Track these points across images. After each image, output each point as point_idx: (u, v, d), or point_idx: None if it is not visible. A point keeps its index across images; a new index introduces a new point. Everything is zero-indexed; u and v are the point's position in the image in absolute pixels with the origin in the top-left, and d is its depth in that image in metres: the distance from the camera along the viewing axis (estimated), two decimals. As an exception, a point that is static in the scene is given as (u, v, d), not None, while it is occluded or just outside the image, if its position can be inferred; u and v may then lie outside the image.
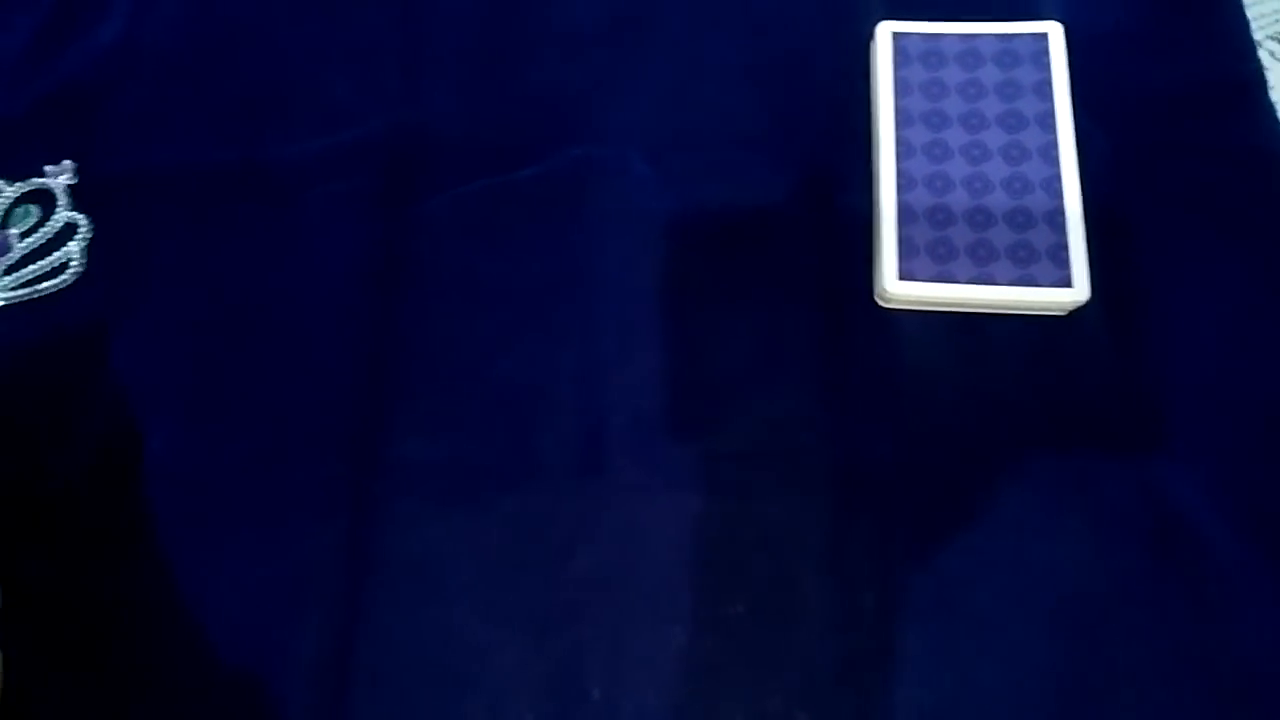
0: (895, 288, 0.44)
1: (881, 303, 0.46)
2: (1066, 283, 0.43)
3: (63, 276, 0.50)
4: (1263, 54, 0.50)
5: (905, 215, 0.45)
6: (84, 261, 0.50)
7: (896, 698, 0.41)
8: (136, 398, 0.48)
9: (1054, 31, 0.47)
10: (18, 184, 0.52)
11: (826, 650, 0.42)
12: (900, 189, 0.45)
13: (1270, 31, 0.51)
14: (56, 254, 0.50)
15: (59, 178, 0.52)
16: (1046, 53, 0.47)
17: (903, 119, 0.47)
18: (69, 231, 0.51)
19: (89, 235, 0.51)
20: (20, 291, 0.50)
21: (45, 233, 0.51)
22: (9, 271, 0.50)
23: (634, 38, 0.53)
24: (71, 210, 0.51)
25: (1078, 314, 0.45)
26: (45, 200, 0.51)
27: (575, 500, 0.45)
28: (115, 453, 0.47)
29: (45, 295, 0.50)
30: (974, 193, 0.45)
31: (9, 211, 0.51)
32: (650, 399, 0.46)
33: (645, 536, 0.44)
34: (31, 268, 0.50)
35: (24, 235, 0.51)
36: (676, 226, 0.49)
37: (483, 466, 0.46)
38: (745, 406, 0.46)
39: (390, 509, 0.45)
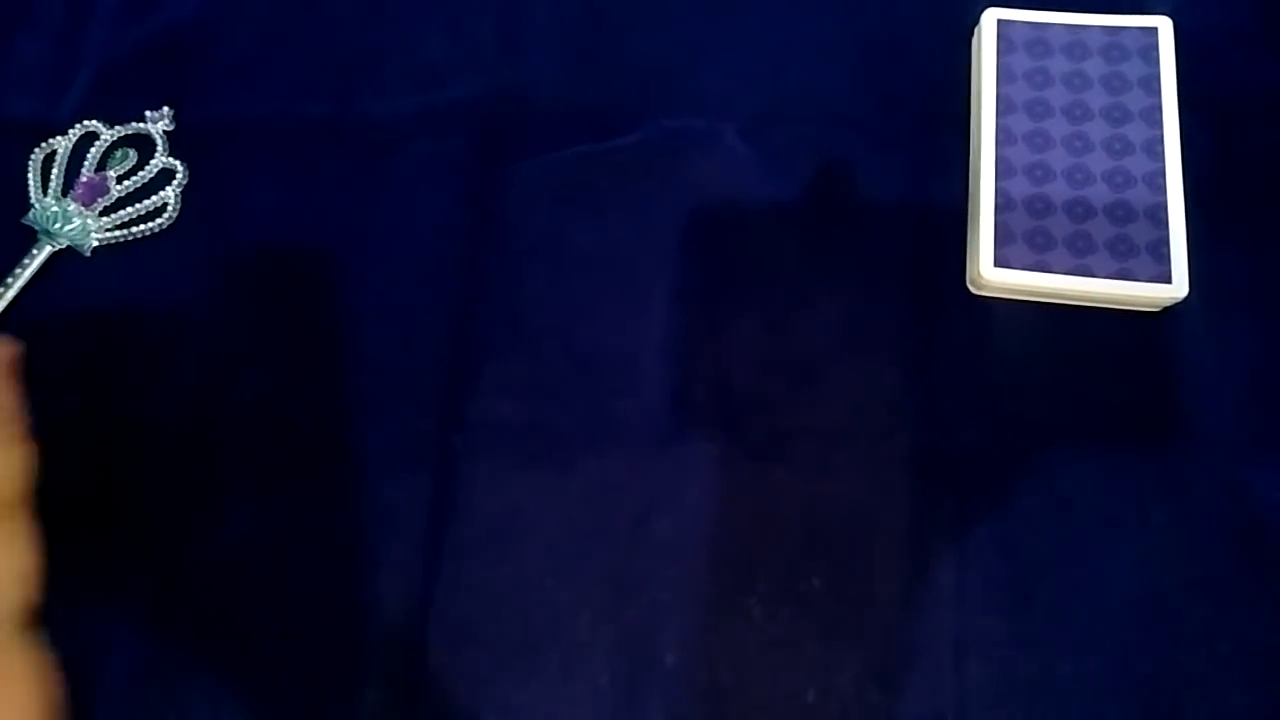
0: (990, 274, 0.44)
1: (974, 289, 0.46)
2: (1166, 279, 0.43)
3: (158, 220, 0.51)
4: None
5: (1003, 202, 0.45)
6: (179, 207, 0.51)
7: (969, 681, 0.42)
8: (227, 344, 0.49)
9: (1163, 26, 0.47)
10: (117, 127, 0.52)
11: (901, 630, 0.42)
12: (999, 176, 0.45)
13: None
14: (153, 198, 0.51)
15: (158, 124, 0.52)
16: (1155, 47, 0.46)
17: (1004, 106, 0.47)
18: (166, 177, 0.52)
19: (185, 181, 0.52)
20: (116, 233, 0.50)
21: (142, 176, 0.52)
22: (106, 213, 0.51)
23: (732, 12, 0.53)
24: (169, 156, 0.52)
25: (1172, 310, 0.45)
26: (143, 145, 0.52)
27: (656, 467, 0.45)
28: (204, 397, 0.48)
29: (140, 238, 0.51)
30: (1075, 184, 0.45)
31: (107, 154, 0.52)
32: (735, 372, 0.47)
33: (724, 507, 0.45)
34: (128, 210, 0.51)
35: (121, 178, 0.52)
36: (768, 202, 0.49)
37: (564, 429, 0.46)
38: (831, 384, 0.46)
39: (472, 465, 0.46)
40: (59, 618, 0.44)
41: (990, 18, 0.48)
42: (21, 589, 0.36)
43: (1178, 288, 0.43)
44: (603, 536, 0.45)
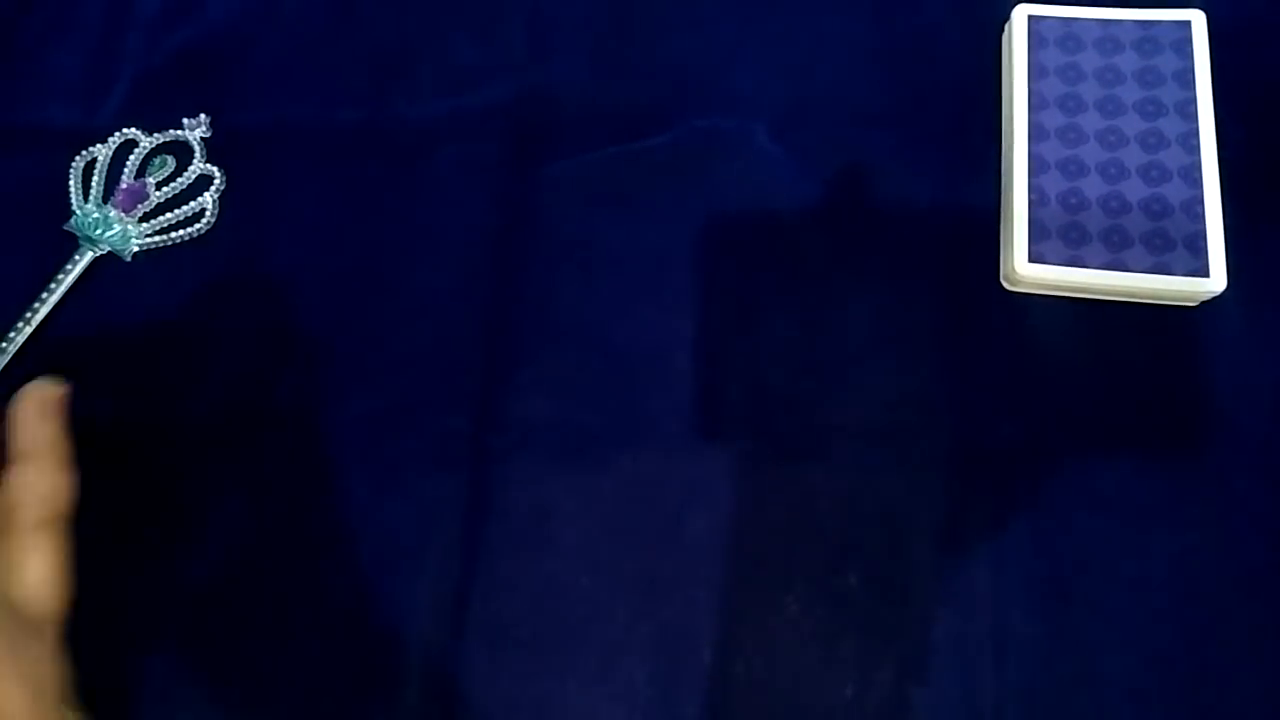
0: (1025, 270, 0.44)
1: (1007, 285, 0.46)
2: (1203, 272, 0.43)
3: (197, 225, 0.51)
4: None
5: (1037, 198, 0.45)
6: (216, 212, 0.52)
7: (1007, 679, 0.41)
8: (265, 346, 0.49)
9: (1196, 19, 0.46)
10: (155, 135, 0.53)
11: (938, 626, 0.42)
12: (1032, 172, 0.45)
13: None
14: (191, 204, 0.52)
15: (195, 130, 0.53)
16: (1188, 40, 0.46)
17: (1036, 102, 0.46)
18: (204, 183, 0.52)
19: (222, 187, 0.52)
20: (156, 239, 0.51)
21: (181, 183, 0.52)
22: (146, 219, 0.52)
23: (762, 12, 0.53)
24: (206, 162, 0.53)
25: (1208, 305, 0.44)
26: (181, 152, 0.53)
27: (690, 465, 0.45)
28: (243, 400, 0.48)
29: (179, 243, 0.51)
30: (1109, 178, 0.45)
31: (146, 161, 0.53)
32: (768, 370, 0.47)
33: (759, 504, 0.45)
34: (167, 216, 0.52)
35: (160, 185, 0.52)
36: (800, 201, 0.49)
37: (599, 428, 0.46)
38: (865, 383, 0.46)
39: (508, 465, 0.46)
40: (97, 615, 0.45)
41: (1021, 13, 0.48)
42: (53, 600, 0.37)
43: (1215, 282, 0.42)
44: (638, 535, 0.45)
